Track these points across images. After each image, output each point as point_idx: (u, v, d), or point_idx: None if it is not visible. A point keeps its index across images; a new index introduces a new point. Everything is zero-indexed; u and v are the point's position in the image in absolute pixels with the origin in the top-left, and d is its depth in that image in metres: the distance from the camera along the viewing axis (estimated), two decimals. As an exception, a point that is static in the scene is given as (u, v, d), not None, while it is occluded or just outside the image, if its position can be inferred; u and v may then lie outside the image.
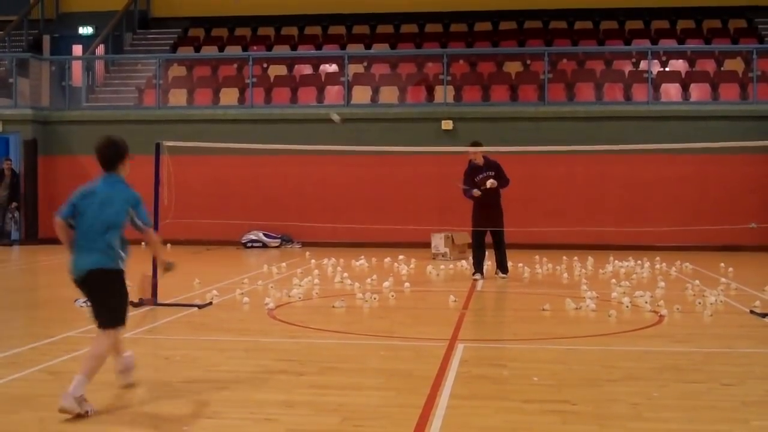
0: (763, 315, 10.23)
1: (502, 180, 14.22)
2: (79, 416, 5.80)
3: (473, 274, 14.28)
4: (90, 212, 6.28)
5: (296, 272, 14.69)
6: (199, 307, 10.85)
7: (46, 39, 28.01)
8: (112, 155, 6.51)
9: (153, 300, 10.83)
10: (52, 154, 22.58)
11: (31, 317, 10.85)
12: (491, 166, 14.22)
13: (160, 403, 6.36)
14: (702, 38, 24.79)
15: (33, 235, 22.30)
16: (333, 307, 10.91)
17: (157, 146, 11.28)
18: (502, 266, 14.43)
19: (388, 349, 8.37)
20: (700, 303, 11.09)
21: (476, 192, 14.04)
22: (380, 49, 25.35)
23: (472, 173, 14.23)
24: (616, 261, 16.20)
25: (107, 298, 6.26)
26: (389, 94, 22.86)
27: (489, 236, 14.34)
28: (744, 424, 5.77)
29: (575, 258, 16.76)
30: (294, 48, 26.07)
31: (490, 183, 14.00)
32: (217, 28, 27.77)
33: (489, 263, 14.61)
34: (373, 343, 8.69)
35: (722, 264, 15.67)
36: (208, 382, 6.87)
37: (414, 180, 21.18)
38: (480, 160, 14.20)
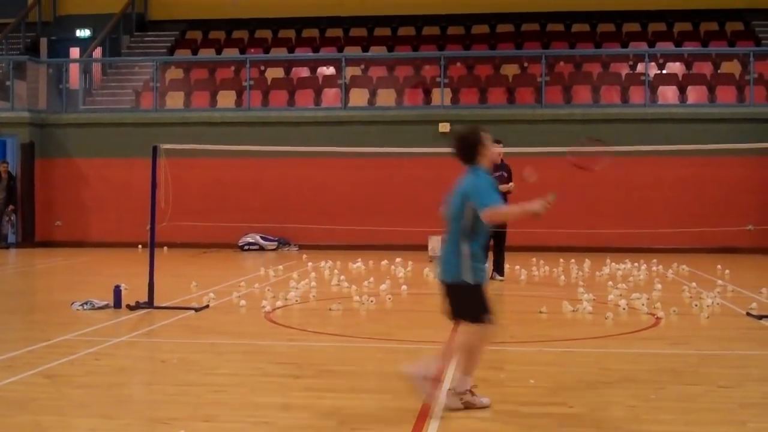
0: (760, 317, 10.23)
1: (511, 184, 14.32)
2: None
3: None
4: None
5: (293, 275, 14.68)
6: (196, 310, 10.84)
7: (44, 42, 28.00)
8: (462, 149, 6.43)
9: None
10: (49, 156, 22.56)
11: (28, 321, 10.84)
12: (504, 167, 14.32)
13: (157, 405, 6.36)
14: (699, 41, 24.81)
15: (30, 238, 22.28)
16: (330, 309, 10.91)
17: (154, 149, 11.26)
18: (499, 269, 14.45)
19: (385, 351, 8.37)
20: (696, 305, 11.09)
21: (506, 187, 14.06)
22: (377, 51, 25.35)
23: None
24: (613, 263, 16.20)
25: None
26: (386, 97, 22.87)
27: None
28: (741, 426, 5.77)
29: (572, 260, 16.76)
30: (291, 50, 26.08)
31: (508, 187, 14.08)
32: (215, 30, 27.77)
33: (486, 266, 14.59)
34: (370, 346, 8.70)
35: (719, 266, 15.68)
36: (204, 385, 6.86)
37: (411, 182, 21.16)
38: (498, 159, 14.27)
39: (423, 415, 5.92)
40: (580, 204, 20.60)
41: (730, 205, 20.21)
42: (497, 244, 14.36)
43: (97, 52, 25.80)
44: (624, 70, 23.11)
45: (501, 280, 14.28)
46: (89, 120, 22.72)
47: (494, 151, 14.02)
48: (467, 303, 6.29)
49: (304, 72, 24.44)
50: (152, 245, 11.32)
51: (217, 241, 21.28)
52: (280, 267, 16.08)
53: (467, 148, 6.35)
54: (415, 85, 23.07)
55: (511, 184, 14.21)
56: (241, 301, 11.34)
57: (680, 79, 22.54)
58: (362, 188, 21.39)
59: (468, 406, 6.10)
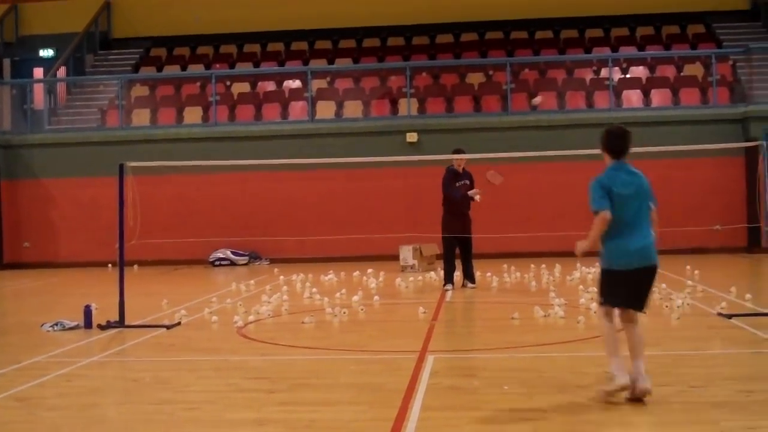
0: (729, 316, 10.32)
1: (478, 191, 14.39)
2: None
3: (444, 285, 14.28)
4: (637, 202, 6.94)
5: (265, 289, 14.65)
6: (168, 327, 10.78)
7: (7, 62, 27.75)
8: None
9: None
10: (15, 178, 22.36)
11: (-3, 344, 10.72)
12: (467, 175, 14.36)
13: (131, 425, 6.31)
14: (661, 44, 25.05)
15: (-3, 261, 22.10)
16: (302, 322, 10.88)
17: (121, 167, 11.20)
18: (470, 276, 14.46)
19: (358, 363, 8.36)
20: (667, 306, 11.17)
21: (478, 198, 14.19)
22: (343, 63, 25.38)
23: (455, 178, 14.30)
24: (583, 267, 16.25)
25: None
26: (353, 109, 22.89)
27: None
28: (714, 425, 5.82)
29: (543, 266, 16.83)
30: (257, 65, 26.05)
31: (479, 197, 14.15)
32: (179, 47, 27.67)
33: (457, 274, 14.63)
34: (344, 358, 8.68)
35: (688, 267, 15.80)
36: (178, 403, 6.82)
37: (380, 193, 21.21)
38: (460, 167, 14.33)
39: (398, 425, 5.92)
40: (548, 209, 20.73)
41: (697, 206, 20.40)
42: (465, 252, 14.37)
43: (61, 72, 25.63)
44: (588, 75, 23.29)
45: (473, 288, 14.30)
46: (55, 140, 22.55)
47: (456, 159, 14.23)
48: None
49: (270, 86, 24.43)
50: (121, 264, 11.25)
51: (188, 258, 21.19)
52: (252, 281, 16.03)
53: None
54: (381, 96, 23.13)
55: (477, 190, 14.27)
56: (213, 317, 11.29)
57: (644, 82, 22.76)
58: (331, 200, 21.39)
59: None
